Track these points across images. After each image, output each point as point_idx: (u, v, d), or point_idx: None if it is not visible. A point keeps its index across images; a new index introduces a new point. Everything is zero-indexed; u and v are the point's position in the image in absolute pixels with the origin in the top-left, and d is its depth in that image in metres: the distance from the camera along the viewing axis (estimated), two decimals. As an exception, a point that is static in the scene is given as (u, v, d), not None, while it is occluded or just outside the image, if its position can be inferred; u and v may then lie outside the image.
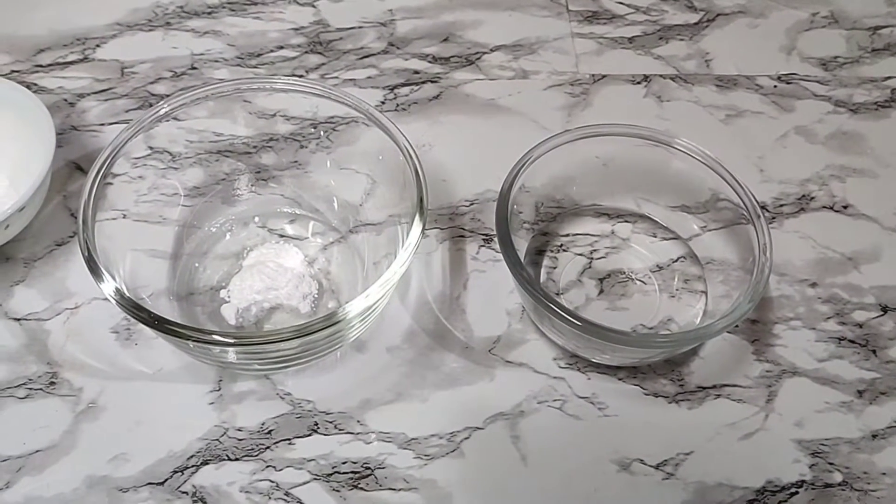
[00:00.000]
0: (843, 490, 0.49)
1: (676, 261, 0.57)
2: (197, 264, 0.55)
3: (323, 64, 0.68)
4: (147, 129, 0.52)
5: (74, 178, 0.60)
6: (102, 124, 0.63)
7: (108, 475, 0.48)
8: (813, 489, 0.49)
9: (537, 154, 0.53)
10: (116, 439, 0.49)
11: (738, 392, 0.52)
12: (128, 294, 0.44)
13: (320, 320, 0.44)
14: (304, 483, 0.48)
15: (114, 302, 0.43)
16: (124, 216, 0.52)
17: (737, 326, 0.53)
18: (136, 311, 0.43)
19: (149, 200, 0.54)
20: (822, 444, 0.50)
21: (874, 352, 0.54)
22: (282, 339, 0.44)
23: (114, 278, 0.45)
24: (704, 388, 0.52)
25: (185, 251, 0.55)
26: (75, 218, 0.54)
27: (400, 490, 0.48)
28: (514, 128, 0.65)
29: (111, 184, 0.50)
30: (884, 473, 0.49)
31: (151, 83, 0.66)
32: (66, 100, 0.64)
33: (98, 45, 0.69)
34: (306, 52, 0.69)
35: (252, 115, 0.57)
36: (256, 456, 0.49)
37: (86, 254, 0.45)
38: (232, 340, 0.44)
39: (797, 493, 0.49)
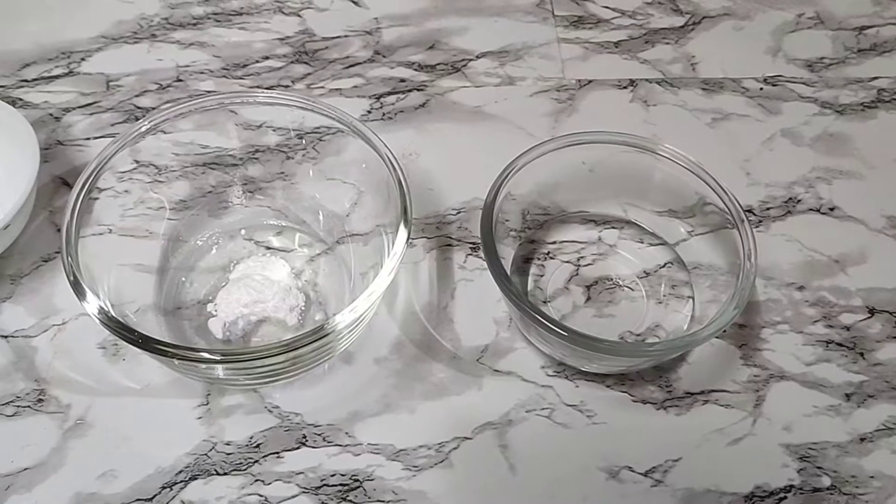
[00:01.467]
0: (832, 494, 0.49)
1: (663, 266, 0.57)
2: (184, 278, 0.55)
3: (309, 74, 0.68)
4: (132, 144, 0.52)
5: (61, 193, 0.60)
6: (88, 138, 0.63)
7: (96, 492, 0.48)
8: (801, 494, 0.49)
9: (521, 164, 0.53)
10: (104, 456, 0.49)
11: (726, 397, 0.52)
12: (112, 313, 0.44)
13: (308, 334, 0.44)
14: (293, 496, 0.48)
15: (98, 321, 0.43)
16: (110, 231, 0.52)
17: (724, 332, 0.53)
18: (121, 330, 0.43)
19: (135, 215, 0.54)
20: (811, 449, 0.50)
21: (861, 354, 0.54)
22: (269, 354, 0.44)
23: (98, 296, 0.45)
24: (692, 393, 0.52)
25: (171, 265, 0.55)
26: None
27: (389, 502, 0.48)
28: (501, 135, 0.65)
29: (97, 199, 0.50)
30: (872, 477, 0.49)
31: (137, 96, 0.66)
32: (51, 114, 0.64)
33: (83, 59, 0.68)
34: (292, 62, 0.69)
35: (238, 126, 0.57)
36: (245, 470, 0.49)
37: (71, 277, 0.45)
38: (218, 357, 0.44)
39: (786, 498, 0.49)
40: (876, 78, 0.70)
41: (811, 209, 0.61)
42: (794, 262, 0.58)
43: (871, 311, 0.56)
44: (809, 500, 0.49)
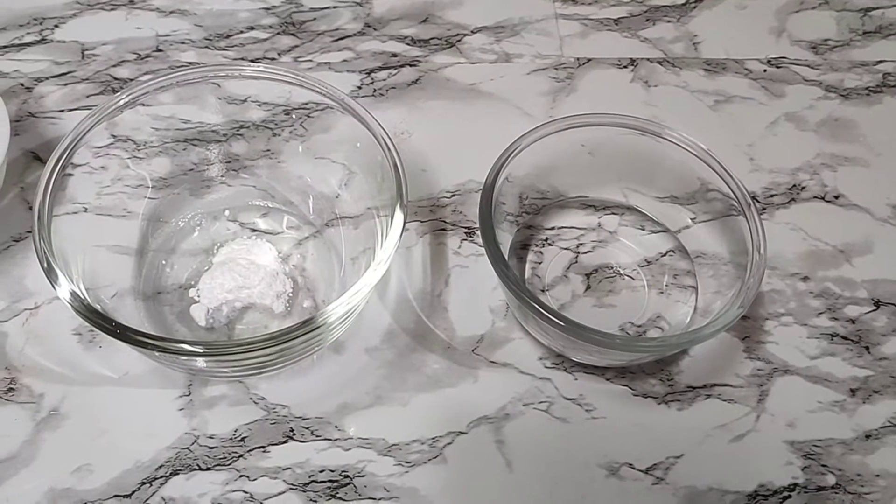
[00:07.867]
0: (837, 493, 0.47)
1: (665, 255, 0.55)
2: (164, 261, 0.52)
3: (296, 46, 0.65)
4: (109, 118, 0.49)
5: (32, 168, 0.57)
6: (62, 110, 0.60)
7: (71, 487, 0.45)
8: (806, 492, 0.47)
9: (522, 145, 0.51)
10: (80, 449, 0.46)
11: (729, 392, 0.50)
12: (88, 300, 0.42)
13: (297, 327, 0.41)
14: (280, 493, 0.46)
15: (73, 310, 0.41)
16: (85, 210, 0.49)
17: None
18: (98, 319, 0.40)
19: (112, 193, 0.51)
20: (815, 446, 0.49)
21: (867, 348, 0.53)
22: (256, 347, 0.41)
23: (72, 281, 0.42)
24: (694, 387, 0.50)
25: (151, 247, 0.52)
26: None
27: (380, 499, 0.46)
28: (497, 114, 0.62)
29: (71, 175, 0.47)
30: (877, 475, 0.48)
31: (114, 66, 0.63)
32: (22, 84, 0.61)
33: (57, 26, 0.65)
34: (278, 34, 0.66)
35: (221, 100, 0.54)
36: (229, 465, 0.46)
37: (44, 263, 0.42)
38: (202, 350, 0.41)
39: (790, 496, 0.47)
40: (881, 62, 0.68)
41: (816, 197, 0.59)
42: (798, 251, 0.57)
43: (877, 304, 0.54)
44: (814, 499, 0.47)
